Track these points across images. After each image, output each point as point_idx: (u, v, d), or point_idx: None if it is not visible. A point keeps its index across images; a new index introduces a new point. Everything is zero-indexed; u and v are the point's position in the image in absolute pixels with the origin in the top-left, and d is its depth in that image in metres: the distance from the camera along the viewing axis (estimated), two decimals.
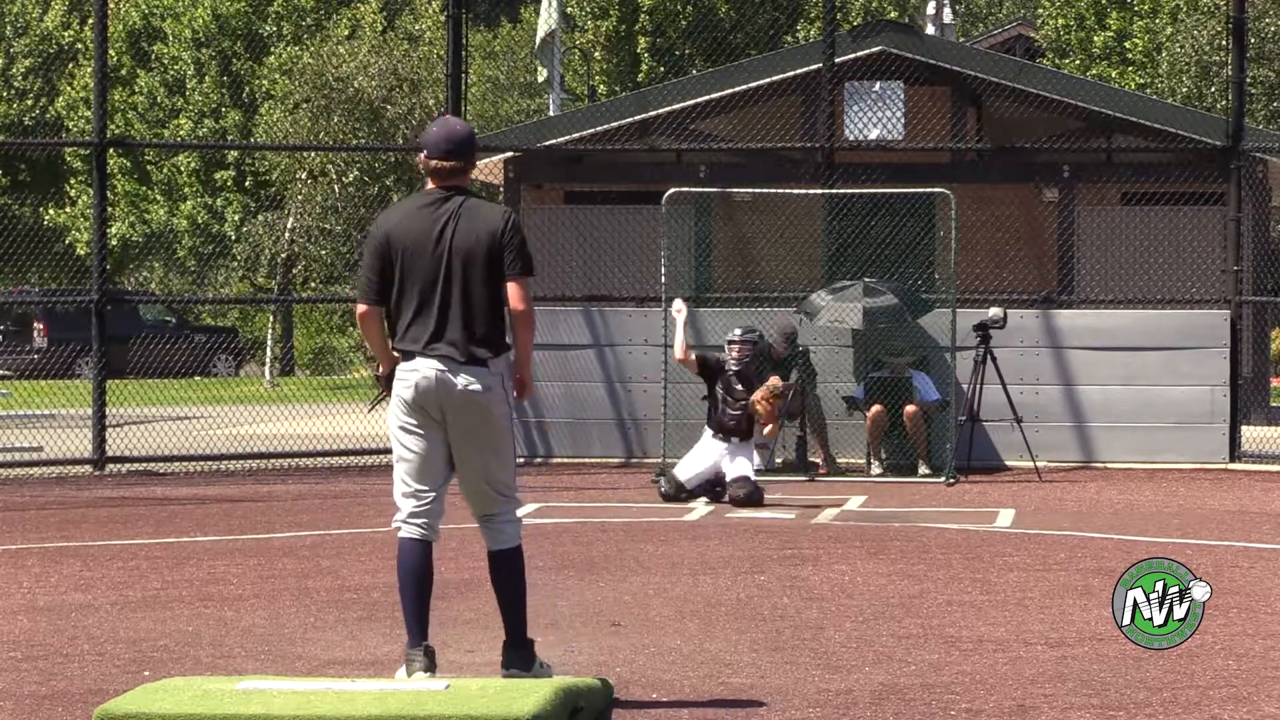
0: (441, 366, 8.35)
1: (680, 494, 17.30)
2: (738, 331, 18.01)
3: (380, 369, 8.63)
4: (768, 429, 17.46)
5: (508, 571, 8.55)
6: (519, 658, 8.47)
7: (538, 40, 32.03)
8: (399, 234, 8.44)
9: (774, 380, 17.36)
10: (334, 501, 17.57)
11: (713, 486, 17.32)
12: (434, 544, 8.54)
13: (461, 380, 8.35)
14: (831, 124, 21.90)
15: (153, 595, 11.52)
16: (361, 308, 8.54)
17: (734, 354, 17.75)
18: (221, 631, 10.15)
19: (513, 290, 8.42)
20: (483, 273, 8.39)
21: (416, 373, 8.37)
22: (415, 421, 8.43)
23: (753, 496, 16.86)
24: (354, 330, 47.51)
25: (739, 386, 17.49)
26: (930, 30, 32.22)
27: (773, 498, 17.32)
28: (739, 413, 17.35)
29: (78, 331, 26.50)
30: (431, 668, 8.34)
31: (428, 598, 8.49)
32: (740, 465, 17.17)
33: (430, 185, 8.57)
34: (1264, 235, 23.88)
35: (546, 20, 31.13)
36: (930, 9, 31.34)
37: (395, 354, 8.49)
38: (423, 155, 8.56)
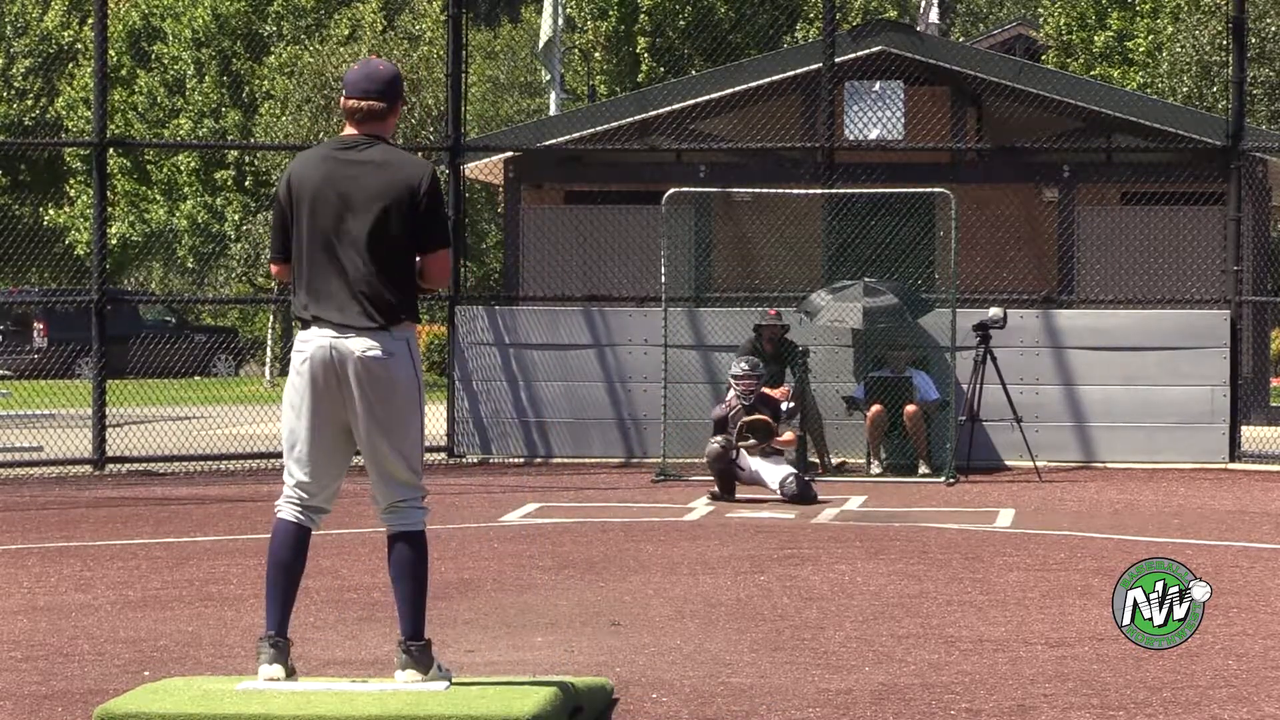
0: (336, 334, 7.62)
1: (729, 457, 17.32)
2: (744, 365, 17.99)
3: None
4: (786, 436, 17.74)
5: (408, 557, 7.73)
6: (415, 658, 7.69)
7: (541, 44, 32.04)
8: (303, 183, 7.67)
9: (749, 430, 17.54)
10: (336, 501, 17.53)
11: (735, 475, 17.45)
12: (311, 531, 8.00)
13: (360, 346, 7.61)
14: (831, 124, 21.90)
15: (153, 595, 11.52)
16: (274, 266, 7.94)
17: (740, 387, 17.81)
18: (221, 631, 10.15)
19: (431, 266, 7.71)
20: (393, 230, 7.60)
21: (310, 343, 7.67)
22: (309, 397, 7.70)
23: (806, 494, 17.14)
24: None
25: (745, 419, 17.63)
26: (919, 28, 32.23)
27: (774, 497, 17.33)
28: (755, 443, 17.55)
29: (78, 331, 26.50)
30: (280, 660, 7.72)
31: (293, 587, 7.88)
32: (783, 469, 17.36)
33: (347, 129, 7.78)
34: (1264, 235, 23.90)
35: (549, 26, 31.15)
36: (932, 15, 31.34)
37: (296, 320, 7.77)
38: (342, 98, 7.74)
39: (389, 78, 7.78)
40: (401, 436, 7.72)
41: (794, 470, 17.63)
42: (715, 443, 17.52)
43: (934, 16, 31.09)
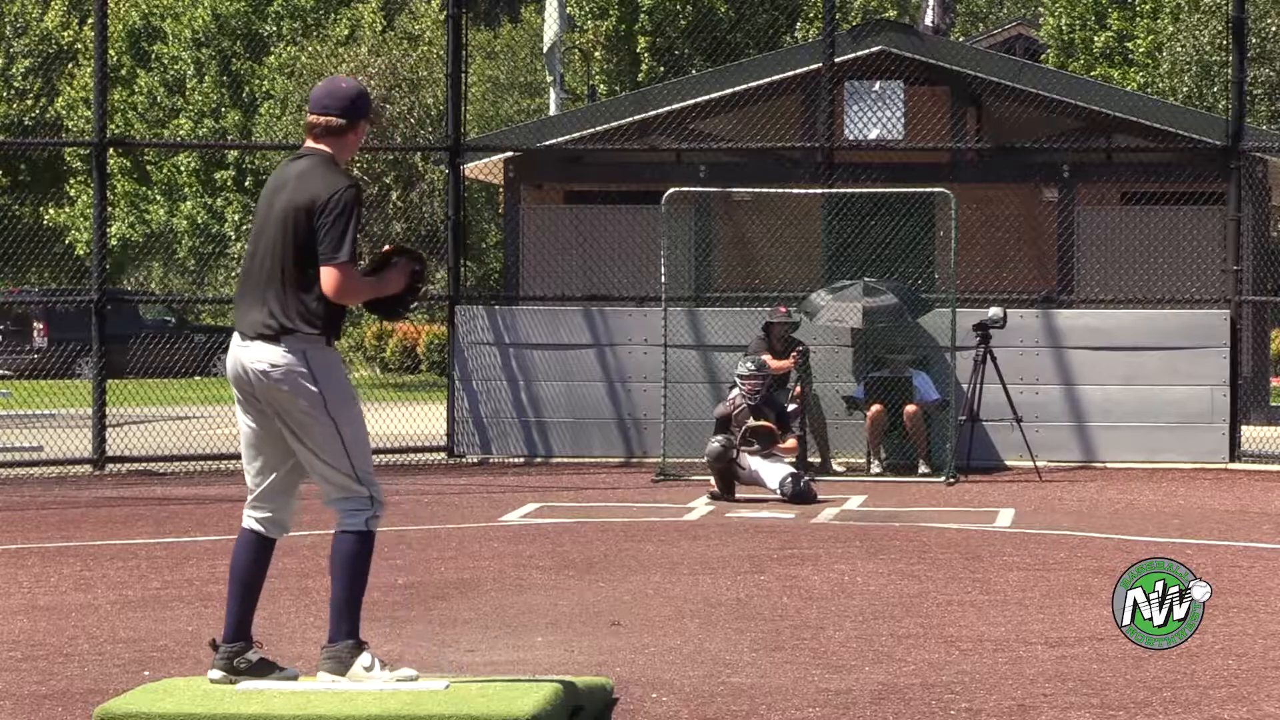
0: (240, 342, 7.69)
1: (729, 453, 17.33)
2: (750, 366, 18.01)
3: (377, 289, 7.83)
4: (788, 443, 17.79)
5: (342, 554, 7.69)
6: (331, 659, 7.70)
7: (546, 46, 32.07)
8: (262, 194, 7.79)
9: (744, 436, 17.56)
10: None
11: (736, 475, 17.45)
12: (271, 540, 7.98)
13: (252, 356, 7.64)
14: (831, 124, 21.90)
15: (153, 595, 11.52)
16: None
17: (745, 388, 17.83)
18: (221, 631, 10.13)
19: (322, 277, 7.57)
20: (293, 244, 7.58)
21: (230, 354, 7.73)
22: (241, 404, 7.76)
23: (806, 493, 17.14)
24: (353, 330, 47.47)
25: (751, 420, 17.64)
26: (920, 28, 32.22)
27: (773, 497, 17.33)
28: (757, 448, 17.57)
29: (78, 331, 26.47)
30: (228, 668, 7.77)
31: (252, 596, 7.92)
32: (781, 469, 17.37)
33: (307, 142, 7.82)
34: (1264, 235, 23.89)
35: (551, 28, 31.17)
36: (930, 17, 31.33)
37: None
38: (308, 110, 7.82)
39: (352, 95, 7.78)
40: (314, 446, 7.65)
41: (793, 470, 17.64)
42: (716, 442, 17.53)
43: (929, 19, 31.08)
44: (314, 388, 7.60)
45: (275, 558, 13.24)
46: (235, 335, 7.72)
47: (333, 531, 7.77)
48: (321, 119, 7.71)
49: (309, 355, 7.62)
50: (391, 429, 22.52)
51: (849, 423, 20.55)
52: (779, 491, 17.24)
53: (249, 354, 7.63)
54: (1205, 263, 21.78)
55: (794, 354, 19.69)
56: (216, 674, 7.77)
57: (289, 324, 7.58)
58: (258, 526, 7.88)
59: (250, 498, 7.85)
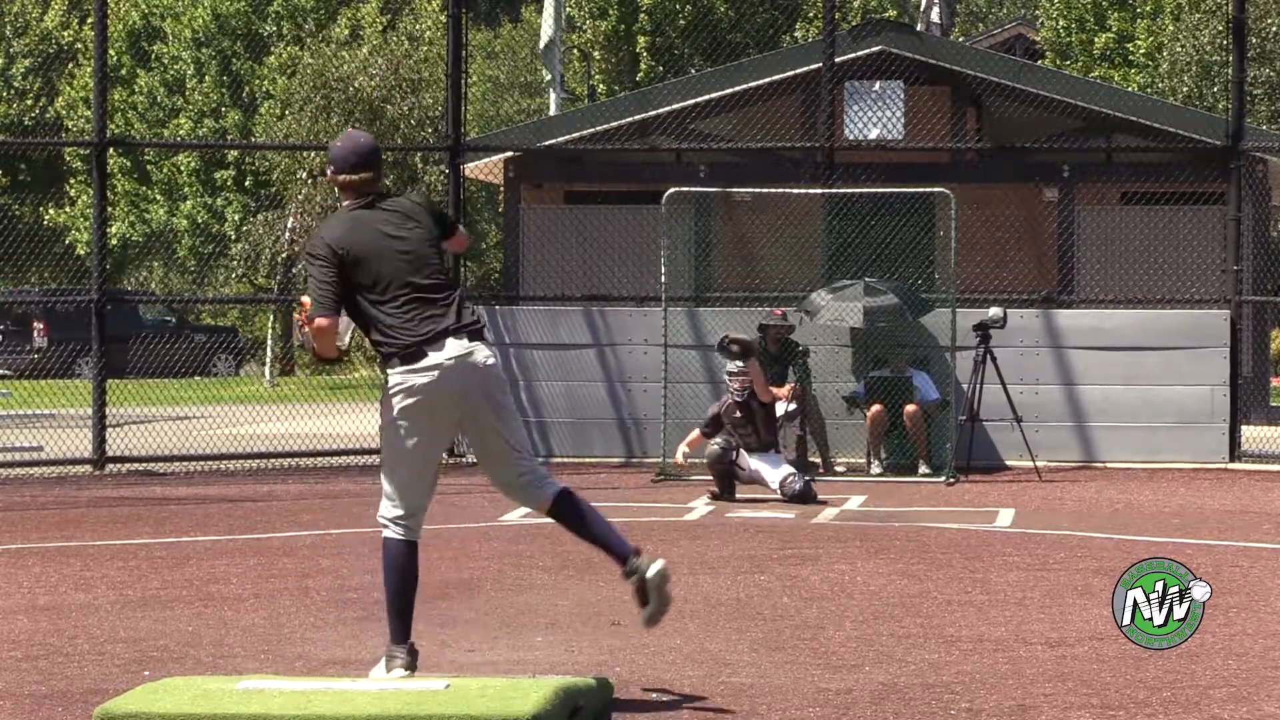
0: (459, 352, 8.36)
1: (728, 458, 17.33)
2: (739, 362, 18.00)
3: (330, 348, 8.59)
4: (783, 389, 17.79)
5: (574, 508, 8.59)
6: (635, 564, 8.50)
7: (542, 44, 32.07)
8: (354, 245, 8.47)
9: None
10: (334, 501, 17.57)
11: (736, 475, 17.45)
12: (418, 544, 8.47)
13: (480, 356, 8.40)
14: (831, 124, 21.90)
15: (153, 595, 11.52)
16: (324, 320, 8.43)
17: (735, 385, 17.81)
18: (221, 631, 10.15)
19: (457, 240, 8.83)
20: (436, 255, 8.57)
21: (425, 371, 8.32)
22: (423, 423, 8.36)
23: (807, 493, 17.13)
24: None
25: (739, 414, 17.63)
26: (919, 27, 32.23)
27: (774, 497, 17.33)
28: (751, 433, 17.51)
29: (78, 331, 26.48)
30: (412, 667, 8.30)
31: (412, 598, 8.43)
32: (782, 469, 17.36)
33: (347, 200, 8.67)
34: (1264, 235, 23.90)
35: (549, 28, 31.17)
36: (936, 14, 31.33)
37: (387, 352, 8.45)
38: (330, 171, 8.68)
39: (370, 149, 8.70)
40: (513, 420, 8.58)
41: (794, 470, 17.66)
42: (715, 444, 17.53)
43: (936, 16, 31.08)
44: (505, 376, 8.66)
45: (275, 558, 13.32)
46: (439, 347, 8.35)
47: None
48: (356, 176, 8.64)
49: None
50: None
51: (849, 423, 20.55)
52: (780, 491, 17.25)
53: (477, 354, 8.42)
54: (1205, 263, 21.78)
55: (791, 385, 19.67)
56: (408, 674, 8.29)
57: (480, 323, 8.57)
58: (410, 534, 8.46)
59: (402, 512, 8.43)
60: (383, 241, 8.47)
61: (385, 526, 8.45)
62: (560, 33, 31.99)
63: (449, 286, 8.55)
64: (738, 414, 17.68)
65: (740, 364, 17.93)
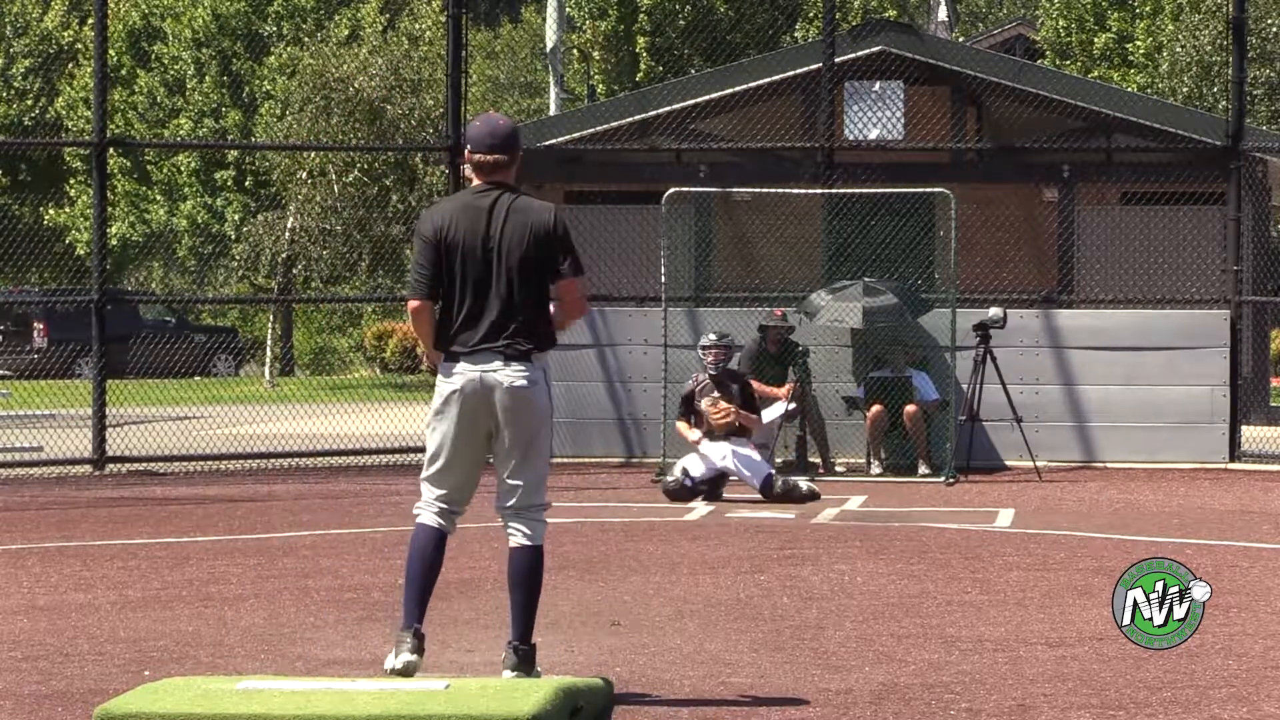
0: (489, 366, 8.34)
1: (684, 489, 17.29)
2: (711, 336, 18.02)
3: (428, 363, 8.71)
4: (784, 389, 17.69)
5: (527, 570, 8.46)
6: (523, 659, 8.37)
7: (549, 47, 32.09)
8: (451, 230, 8.40)
9: (713, 404, 17.37)
10: (334, 501, 17.57)
11: (717, 483, 17.34)
12: (449, 537, 8.54)
13: (507, 377, 8.34)
14: (831, 124, 21.90)
15: (153, 595, 11.52)
16: (415, 303, 8.49)
17: (709, 359, 17.76)
18: (221, 631, 10.15)
19: (568, 289, 8.46)
20: (532, 269, 8.37)
21: (463, 375, 8.36)
22: (456, 426, 8.40)
23: (812, 493, 17.08)
24: (353, 330, 47.45)
25: (716, 393, 17.55)
26: (933, 28, 32.24)
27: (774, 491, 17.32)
28: (721, 415, 17.43)
29: (78, 331, 26.49)
30: (419, 650, 8.32)
31: (431, 585, 8.45)
32: (753, 464, 17.27)
33: (476, 181, 8.53)
34: (1264, 235, 23.88)
35: (553, 31, 31.19)
36: (940, 14, 31.33)
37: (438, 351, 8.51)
38: (466, 151, 8.57)
39: (507, 132, 8.55)
40: (534, 453, 8.45)
41: (772, 470, 17.47)
42: (669, 480, 17.46)
43: (942, 14, 31.07)
44: (549, 403, 8.50)
45: (275, 558, 13.32)
46: (470, 362, 8.34)
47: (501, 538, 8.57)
48: (490, 158, 8.48)
49: (547, 371, 8.50)
50: (391, 429, 22.53)
51: (849, 423, 20.55)
52: (760, 492, 17.13)
53: (507, 373, 8.34)
54: (1205, 263, 21.78)
55: (791, 385, 19.64)
56: (415, 658, 8.30)
57: (542, 342, 8.42)
58: (443, 523, 8.52)
59: (434, 498, 8.48)
60: (479, 235, 8.38)
61: (419, 513, 8.52)
62: (562, 35, 32.00)
63: (522, 304, 8.36)
64: (714, 393, 17.57)
65: (713, 338, 17.89)
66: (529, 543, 8.45)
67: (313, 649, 9.57)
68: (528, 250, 8.36)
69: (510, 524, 8.47)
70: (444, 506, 8.51)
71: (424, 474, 8.53)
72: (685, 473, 17.41)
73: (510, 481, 8.44)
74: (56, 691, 8.51)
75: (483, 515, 15.88)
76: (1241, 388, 21.09)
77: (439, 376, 8.43)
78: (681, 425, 17.98)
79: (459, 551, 12.98)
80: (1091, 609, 10.68)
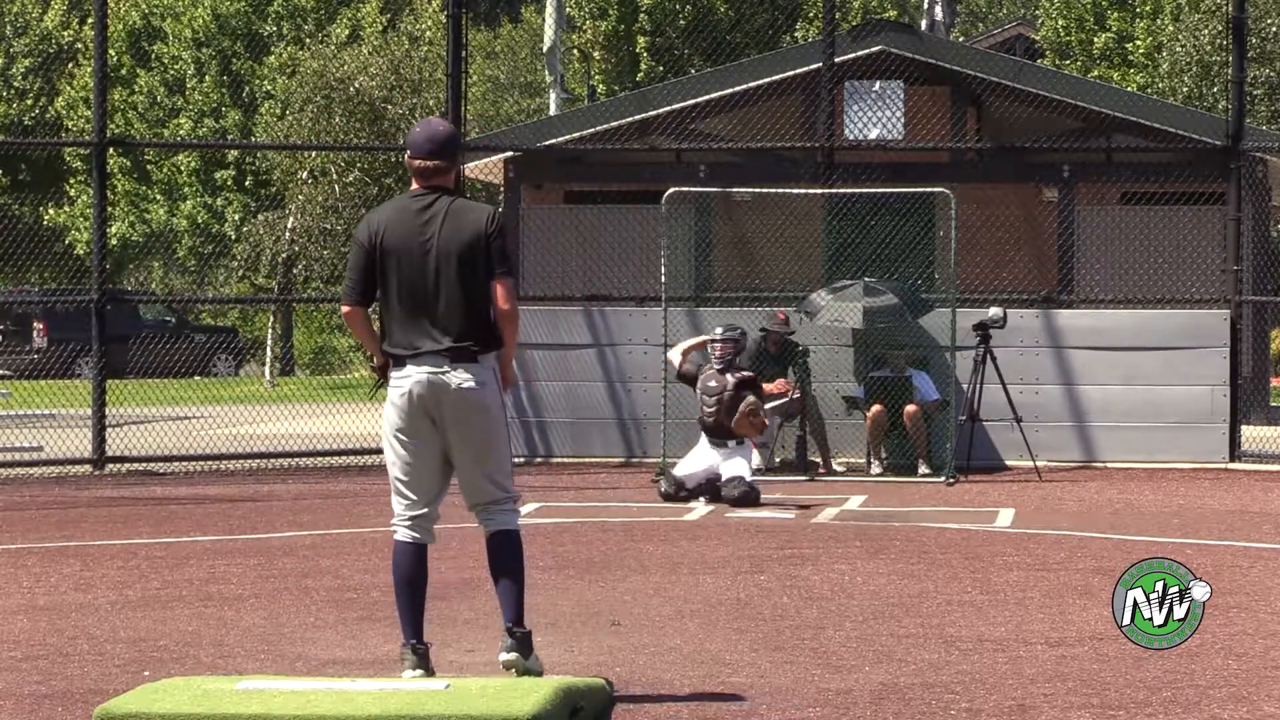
0: (435, 369, 8.36)
1: (679, 493, 17.29)
2: (719, 330, 17.99)
3: (375, 361, 8.67)
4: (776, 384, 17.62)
5: (508, 553, 8.51)
6: (519, 640, 8.41)
7: (546, 47, 32.08)
8: (386, 235, 8.44)
9: (749, 400, 17.23)
10: (334, 501, 17.57)
11: (712, 485, 17.32)
12: (429, 546, 8.57)
13: (455, 379, 8.35)
14: (831, 124, 21.89)
15: (153, 595, 11.53)
16: (345, 308, 8.59)
17: (716, 352, 17.72)
18: (221, 631, 10.15)
19: (500, 290, 8.44)
20: (470, 271, 8.39)
21: (409, 379, 8.39)
22: (409, 429, 8.44)
23: (747, 496, 16.82)
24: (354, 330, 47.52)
25: (713, 384, 17.49)
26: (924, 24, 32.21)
27: (772, 497, 17.32)
28: (714, 409, 17.36)
29: (78, 331, 26.48)
30: (422, 665, 8.35)
31: (422, 598, 8.49)
32: (736, 465, 17.17)
33: (415, 185, 8.55)
34: (1264, 235, 23.88)
35: (551, 30, 31.20)
36: (937, 13, 31.31)
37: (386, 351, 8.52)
38: (407, 155, 8.58)
39: (446, 137, 8.59)
40: (490, 453, 8.49)
41: (745, 474, 17.31)
42: (663, 484, 17.46)
43: (939, 14, 31.06)
44: (501, 403, 8.49)
45: (275, 558, 13.32)
46: (416, 365, 8.36)
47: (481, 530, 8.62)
48: (429, 163, 8.50)
49: (495, 372, 8.47)
50: None
51: (849, 423, 20.54)
52: (723, 492, 17.05)
53: (454, 376, 8.35)
54: (1205, 263, 21.77)
55: (789, 381, 19.62)
56: (419, 674, 8.31)
57: (487, 343, 8.42)
58: (419, 536, 8.54)
59: (412, 514, 8.52)
60: (415, 239, 8.41)
61: (394, 530, 8.57)
62: (561, 34, 32.01)
63: (463, 305, 8.39)
64: (712, 382, 17.53)
65: (721, 330, 17.84)
66: (503, 527, 8.52)
67: (313, 649, 9.58)
68: (464, 252, 8.38)
69: (481, 517, 8.56)
70: (414, 517, 8.53)
71: (391, 485, 8.56)
72: (676, 481, 17.38)
73: (472, 485, 8.51)
74: (56, 691, 8.51)
75: None
76: (1241, 388, 21.09)
77: (390, 385, 8.45)
78: (673, 354, 17.97)
79: (458, 551, 12.98)
80: (1091, 609, 10.68)
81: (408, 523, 8.52)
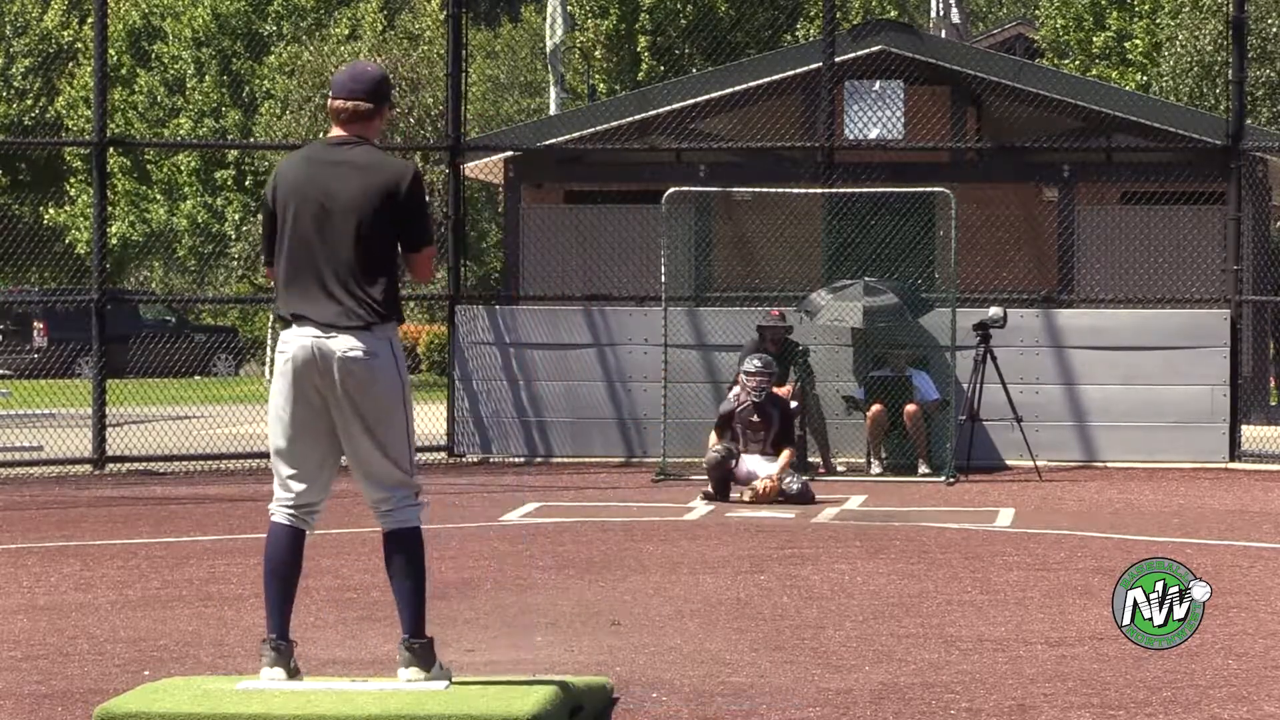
0: (319, 333, 7.57)
1: (725, 466, 17.22)
2: (756, 363, 17.78)
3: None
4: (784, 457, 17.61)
5: (403, 555, 7.70)
6: (417, 654, 7.67)
7: (549, 48, 32.12)
8: (285, 184, 7.67)
9: (769, 486, 17.26)
10: (333, 501, 17.39)
11: (726, 483, 17.36)
12: (306, 533, 7.90)
13: (340, 346, 7.57)
14: (831, 123, 21.90)
15: (153, 595, 11.52)
16: (266, 270, 7.88)
17: (751, 385, 17.61)
18: (221, 631, 10.15)
19: (418, 264, 7.72)
20: (374, 234, 7.58)
21: (292, 343, 7.61)
22: (288, 400, 7.65)
23: (804, 494, 17.04)
24: None
25: (756, 418, 17.48)
26: (943, 33, 32.21)
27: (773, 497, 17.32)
28: (760, 443, 17.41)
29: (78, 331, 26.48)
30: (281, 663, 7.71)
31: (292, 591, 7.82)
32: (774, 467, 17.33)
33: (333, 131, 7.78)
34: (1264, 235, 23.89)
35: (553, 31, 31.22)
36: (944, 14, 31.31)
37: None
38: (330, 99, 7.77)
39: (373, 78, 7.80)
40: (383, 434, 7.69)
41: (792, 472, 17.52)
42: (715, 452, 17.38)
43: (955, 17, 31.07)
44: (403, 375, 7.68)
45: None
46: (300, 328, 7.61)
47: (381, 530, 7.87)
48: (348, 104, 7.73)
49: (394, 344, 7.67)
50: None
51: (849, 423, 20.54)
52: (781, 487, 17.16)
53: (337, 344, 7.56)
54: (1205, 263, 21.78)
55: (790, 384, 19.62)
56: (278, 672, 7.72)
57: (383, 312, 7.60)
58: (294, 520, 7.84)
59: (289, 494, 7.79)
60: (312, 188, 7.60)
61: (271, 511, 7.86)
62: (564, 35, 32.02)
63: (359, 270, 7.56)
64: (754, 417, 17.56)
65: (758, 364, 17.74)
66: (400, 524, 7.74)
67: (313, 649, 9.57)
68: (367, 213, 7.56)
69: (379, 514, 7.82)
70: (292, 498, 7.79)
71: (272, 463, 7.81)
72: (728, 458, 17.36)
73: (366, 468, 7.72)
74: (56, 691, 8.51)
75: (482, 515, 15.91)
76: (1241, 387, 21.09)
77: (277, 348, 7.68)
78: (713, 438, 17.86)
79: (459, 551, 13.02)
80: (1091, 609, 10.68)
81: (287, 505, 7.77)
